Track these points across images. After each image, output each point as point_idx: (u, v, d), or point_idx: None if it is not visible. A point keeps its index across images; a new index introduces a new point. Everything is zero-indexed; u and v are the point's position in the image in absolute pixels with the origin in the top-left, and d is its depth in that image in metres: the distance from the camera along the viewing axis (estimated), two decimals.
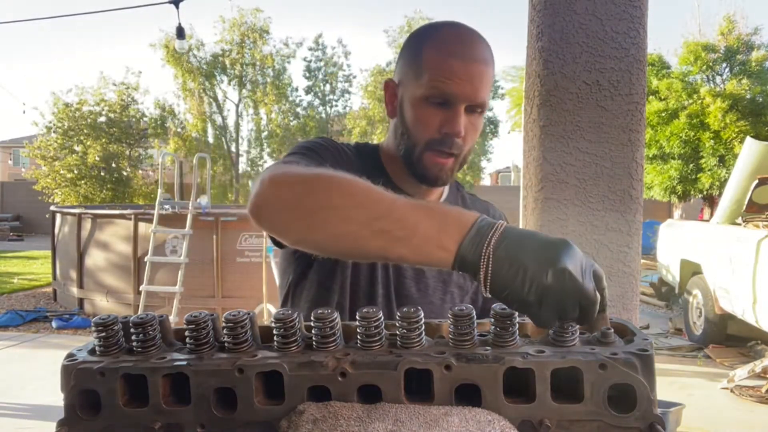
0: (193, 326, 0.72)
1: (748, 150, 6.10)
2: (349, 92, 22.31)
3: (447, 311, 0.89)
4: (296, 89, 22.21)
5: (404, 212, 0.74)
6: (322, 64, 21.76)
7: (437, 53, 1.00)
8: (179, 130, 20.54)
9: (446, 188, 1.20)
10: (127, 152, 18.58)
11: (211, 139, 21.80)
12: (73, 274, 7.51)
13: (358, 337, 0.71)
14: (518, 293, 0.65)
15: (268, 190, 0.82)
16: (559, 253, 0.65)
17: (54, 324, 6.60)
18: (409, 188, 1.10)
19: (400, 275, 1.11)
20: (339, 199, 0.77)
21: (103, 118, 18.03)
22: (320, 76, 21.84)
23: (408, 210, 0.74)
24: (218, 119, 21.93)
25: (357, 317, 0.71)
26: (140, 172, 19.30)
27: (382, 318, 0.72)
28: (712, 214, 8.29)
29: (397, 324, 0.71)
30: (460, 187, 1.26)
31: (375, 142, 1.25)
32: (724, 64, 12.19)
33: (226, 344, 0.72)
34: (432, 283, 1.14)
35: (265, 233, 1.08)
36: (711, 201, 11.99)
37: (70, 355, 0.74)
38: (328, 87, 21.97)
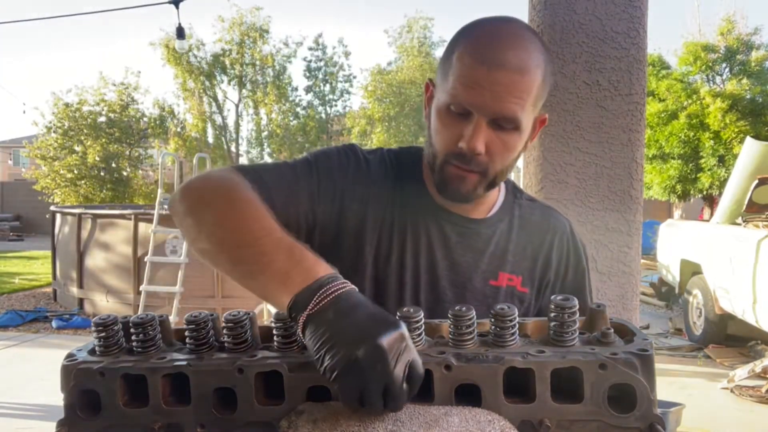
0: (193, 326, 0.72)
1: (748, 150, 6.10)
2: (349, 92, 22.33)
3: None
4: (296, 89, 22.23)
5: (267, 248, 0.76)
6: (322, 63, 21.76)
7: (465, 57, 0.88)
8: (179, 130, 20.54)
9: (501, 195, 1.08)
10: (127, 152, 18.57)
11: (210, 139, 21.79)
12: (73, 274, 7.51)
13: None
14: (330, 358, 0.63)
15: (176, 195, 0.90)
16: (381, 331, 0.63)
17: (54, 324, 6.59)
18: (452, 204, 1.01)
19: (439, 299, 1.02)
20: (213, 217, 0.83)
21: (103, 118, 18.03)
22: (320, 76, 21.84)
23: (271, 246, 0.76)
24: (218, 119, 21.94)
25: None
26: (140, 172, 19.29)
27: None
28: (712, 214, 8.29)
29: None
30: (520, 193, 1.12)
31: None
32: (724, 65, 12.19)
33: (226, 344, 0.72)
34: (475, 307, 1.03)
35: None
36: (711, 201, 11.98)
37: (70, 355, 0.74)
38: (328, 87, 21.98)
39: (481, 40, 0.88)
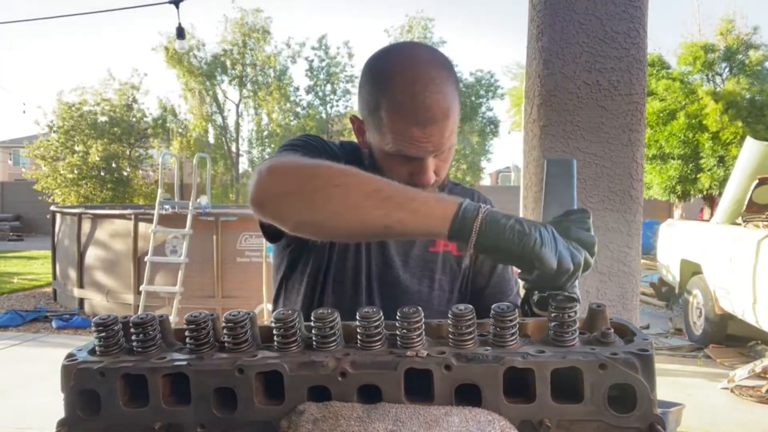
0: (193, 326, 0.72)
1: (748, 150, 6.10)
2: (350, 92, 22.33)
3: (436, 299, 1.13)
4: (297, 89, 22.23)
5: (404, 186, 0.84)
6: (324, 64, 21.75)
7: (395, 117, 0.97)
8: (181, 130, 20.56)
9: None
10: (128, 152, 18.58)
11: (212, 140, 21.81)
12: (73, 274, 7.51)
13: (358, 337, 0.71)
14: (513, 242, 0.77)
15: (269, 179, 0.87)
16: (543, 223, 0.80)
17: (54, 324, 6.60)
18: None
19: (387, 264, 1.14)
20: (340, 179, 0.84)
21: (104, 118, 18.04)
22: (322, 76, 21.83)
23: (406, 186, 0.85)
24: (218, 119, 21.95)
25: (357, 317, 0.71)
26: (140, 172, 19.29)
27: (382, 318, 0.72)
28: (712, 214, 8.29)
29: (397, 324, 0.71)
30: (446, 179, 1.26)
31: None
32: (724, 64, 12.20)
33: (226, 344, 0.72)
34: (419, 272, 1.16)
35: (260, 230, 1.10)
36: (711, 201, 11.99)
37: (70, 355, 0.74)
38: (329, 87, 21.97)
39: (405, 97, 0.96)
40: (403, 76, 0.97)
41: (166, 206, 6.67)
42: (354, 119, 1.11)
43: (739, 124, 10.87)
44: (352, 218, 0.83)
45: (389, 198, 0.81)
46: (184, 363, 0.70)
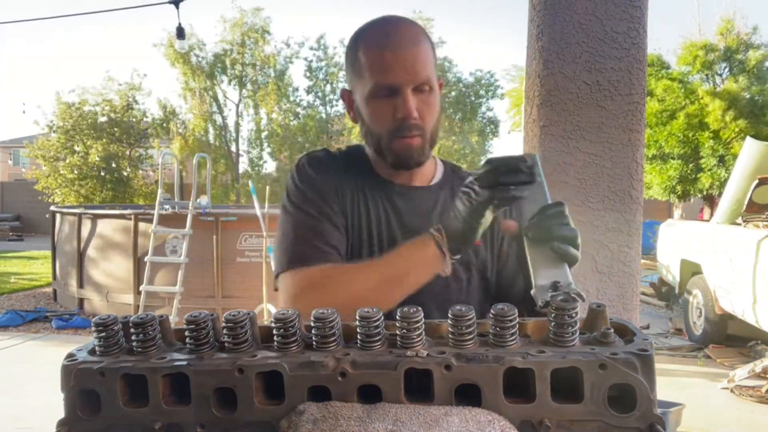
0: (193, 326, 0.72)
1: (748, 150, 6.10)
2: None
3: (475, 290, 1.19)
4: (296, 89, 22.22)
5: (391, 261, 1.00)
6: (323, 64, 21.74)
7: (370, 51, 1.06)
8: (181, 130, 20.55)
9: (440, 170, 1.24)
10: (128, 152, 18.57)
11: (212, 139, 21.79)
12: (73, 274, 7.51)
13: (358, 337, 0.71)
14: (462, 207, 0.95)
15: (299, 301, 1.03)
16: None
17: (54, 324, 6.60)
18: (396, 177, 1.17)
19: None
20: (346, 284, 1.01)
21: (104, 118, 18.03)
22: (321, 76, 21.82)
23: (391, 259, 1.00)
24: (218, 119, 21.94)
25: (357, 317, 0.71)
26: (140, 172, 19.28)
27: (382, 318, 0.72)
28: (712, 214, 8.29)
29: (397, 324, 0.71)
30: (458, 168, 1.29)
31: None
32: (724, 64, 12.19)
33: (226, 344, 0.72)
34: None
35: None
36: (711, 201, 11.99)
37: (70, 355, 0.74)
38: (328, 87, 21.96)
39: (376, 34, 1.08)
40: (377, 24, 1.09)
41: (166, 206, 6.67)
42: (344, 92, 1.18)
43: (742, 123, 10.86)
44: (362, 296, 0.97)
45: (391, 277, 0.98)
46: (184, 363, 0.69)
